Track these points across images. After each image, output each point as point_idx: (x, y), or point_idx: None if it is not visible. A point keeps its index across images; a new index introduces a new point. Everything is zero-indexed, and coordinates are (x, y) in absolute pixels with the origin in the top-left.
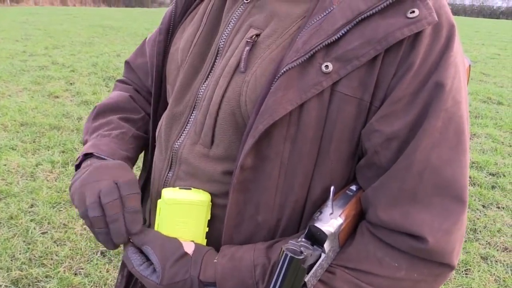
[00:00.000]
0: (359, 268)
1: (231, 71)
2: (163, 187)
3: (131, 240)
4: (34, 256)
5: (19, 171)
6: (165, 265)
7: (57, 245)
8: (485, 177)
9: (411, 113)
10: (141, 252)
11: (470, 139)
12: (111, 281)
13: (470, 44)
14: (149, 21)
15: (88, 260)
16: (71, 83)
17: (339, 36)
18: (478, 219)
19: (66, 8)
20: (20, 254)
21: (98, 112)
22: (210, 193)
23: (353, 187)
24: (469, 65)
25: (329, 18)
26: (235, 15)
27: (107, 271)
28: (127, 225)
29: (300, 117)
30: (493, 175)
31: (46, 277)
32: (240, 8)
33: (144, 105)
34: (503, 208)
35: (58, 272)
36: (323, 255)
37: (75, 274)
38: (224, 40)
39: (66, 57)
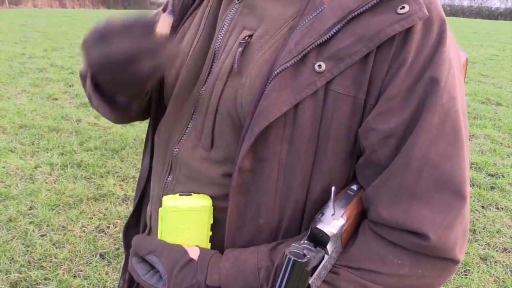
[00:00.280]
0: (363, 267)
1: (226, 73)
2: (163, 191)
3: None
4: (33, 259)
5: (18, 174)
6: (171, 272)
7: (56, 248)
8: (484, 178)
9: (407, 110)
10: (145, 261)
11: (469, 140)
12: (110, 283)
13: (469, 45)
14: None
15: (87, 263)
16: (70, 85)
17: (330, 35)
18: (477, 220)
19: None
20: (19, 256)
21: None
22: (211, 197)
23: (354, 187)
24: (466, 59)
25: (320, 18)
26: (228, 16)
27: (106, 274)
28: None
29: (296, 118)
30: (492, 176)
31: (45, 279)
32: (233, 9)
33: None
34: (502, 209)
35: (57, 274)
36: (326, 257)
37: (74, 276)
38: (219, 42)
39: (65, 59)
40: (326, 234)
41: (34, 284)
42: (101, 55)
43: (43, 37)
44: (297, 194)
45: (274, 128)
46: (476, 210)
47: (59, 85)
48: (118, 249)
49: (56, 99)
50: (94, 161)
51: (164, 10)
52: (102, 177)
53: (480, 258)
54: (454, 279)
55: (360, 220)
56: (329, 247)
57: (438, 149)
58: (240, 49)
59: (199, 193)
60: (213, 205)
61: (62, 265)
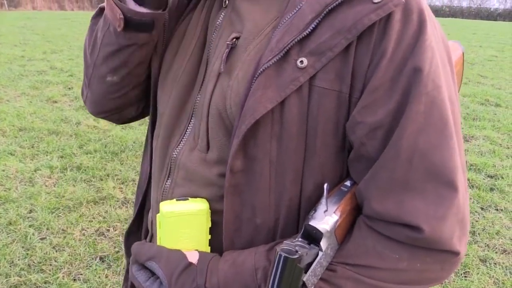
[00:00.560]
0: (360, 263)
1: (215, 76)
2: (162, 196)
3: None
4: (33, 262)
5: (18, 177)
6: (171, 277)
7: (56, 251)
8: (484, 179)
9: (392, 100)
10: (145, 268)
11: (468, 141)
12: (110, 286)
13: (468, 46)
14: None
15: (87, 266)
16: (69, 88)
17: (310, 30)
18: (476, 221)
19: (64, 13)
20: (19, 260)
21: None
22: (208, 199)
23: (348, 183)
24: (462, 52)
25: (299, 14)
26: (218, 21)
27: (106, 277)
28: None
29: (282, 115)
30: (492, 177)
31: (45, 283)
32: (221, 14)
33: None
34: (502, 210)
35: (57, 278)
36: (320, 253)
37: (74, 280)
38: (212, 47)
39: (64, 61)
40: (319, 231)
41: None
42: None
43: (43, 40)
44: (290, 192)
45: (262, 126)
46: (476, 211)
47: (58, 88)
48: (118, 252)
49: (56, 102)
50: (93, 164)
51: None
52: (101, 180)
53: (480, 259)
54: (454, 281)
55: (356, 215)
56: (323, 243)
57: (426, 138)
58: (226, 50)
59: (197, 195)
60: (211, 207)
61: (62, 269)
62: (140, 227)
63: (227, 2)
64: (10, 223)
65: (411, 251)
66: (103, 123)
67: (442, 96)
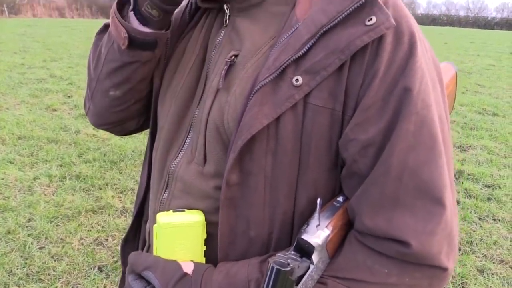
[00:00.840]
0: (350, 277)
1: (214, 91)
2: (159, 207)
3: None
4: (31, 272)
5: (17, 185)
6: (167, 287)
7: (55, 260)
8: (481, 189)
9: (383, 119)
10: (141, 277)
11: (465, 150)
12: None
13: (465, 55)
14: None
15: (85, 276)
16: (69, 96)
17: (305, 50)
18: (474, 231)
19: (64, 20)
20: (17, 269)
21: None
22: (205, 211)
23: (340, 198)
24: (455, 72)
25: (295, 35)
26: (218, 39)
27: (104, 287)
28: None
29: (278, 131)
30: (489, 187)
31: None
32: (221, 33)
33: None
34: (499, 220)
35: (56, 287)
36: (311, 267)
37: None
38: (211, 64)
39: (64, 69)
40: (311, 245)
41: None
42: None
43: (43, 47)
44: (284, 206)
45: (258, 141)
46: (473, 221)
47: (58, 96)
48: (116, 262)
49: (55, 110)
50: (92, 172)
51: None
52: (100, 189)
53: (477, 270)
54: None
55: (347, 231)
56: (314, 257)
57: (416, 156)
58: (225, 67)
59: (194, 207)
60: (206, 219)
61: (60, 278)
62: (136, 236)
63: (227, 21)
64: (9, 232)
65: (400, 266)
66: (102, 132)
67: (431, 115)
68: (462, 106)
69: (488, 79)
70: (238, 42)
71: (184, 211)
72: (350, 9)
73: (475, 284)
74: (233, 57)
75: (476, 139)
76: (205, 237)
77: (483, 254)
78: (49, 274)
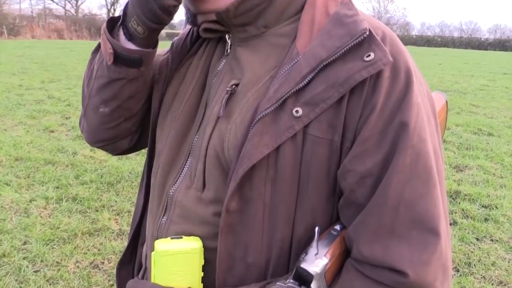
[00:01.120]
0: None
1: (214, 119)
2: (158, 232)
3: None
4: None
5: (13, 207)
6: None
7: (50, 284)
8: (478, 209)
9: (380, 151)
10: None
11: (462, 170)
12: None
13: (460, 75)
14: None
15: None
16: (66, 118)
17: (305, 82)
18: (472, 252)
19: (62, 42)
20: None
21: None
22: (203, 236)
23: (337, 227)
24: (445, 101)
25: (296, 67)
26: (220, 67)
27: None
28: None
29: (278, 160)
30: (486, 207)
31: None
32: (223, 61)
33: None
34: (497, 240)
35: None
36: None
37: None
38: (212, 91)
39: (62, 91)
40: (310, 273)
41: None
42: None
43: (41, 69)
44: (282, 233)
45: (258, 170)
46: (471, 242)
47: (55, 117)
48: (112, 285)
49: (53, 131)
50: (89, 194)
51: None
52: (97, 211)
53: None
54: None
55: (344, 259)
56: (313, 285)
57: (412, 188)
58: (226, 96)
59: (192, 233)
60: (204, 245)
61: None
62: (132, 259)
63: (229, 50)
64: (4, 255)
65: None
66: (100, 153)
67: (427, 149)
68: (458, 126)
69: (482, 99)
70: (239, 71)
71: (182, 237)
72: (349, 45)
73: None
74: (234, 86)
75: (472, 159)
76: (202, 263)
77: (481, 275)
78: None
